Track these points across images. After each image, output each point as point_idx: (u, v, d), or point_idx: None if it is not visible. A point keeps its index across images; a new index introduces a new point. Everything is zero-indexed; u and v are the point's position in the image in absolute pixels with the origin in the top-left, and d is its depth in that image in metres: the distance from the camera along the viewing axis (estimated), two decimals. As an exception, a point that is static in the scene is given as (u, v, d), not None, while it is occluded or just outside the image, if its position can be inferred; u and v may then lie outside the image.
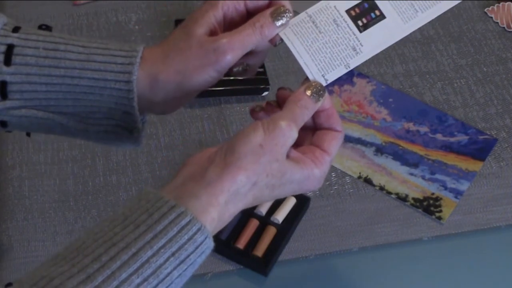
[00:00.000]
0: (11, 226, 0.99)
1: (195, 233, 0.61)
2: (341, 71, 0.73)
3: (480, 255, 0.99)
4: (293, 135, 0.67)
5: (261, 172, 0.65)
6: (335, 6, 0.74)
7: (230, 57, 0.70)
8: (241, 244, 0.97)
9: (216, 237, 0.96)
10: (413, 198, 1.04)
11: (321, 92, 0.71)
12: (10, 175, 1.04)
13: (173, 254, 0.60)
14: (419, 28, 1.25)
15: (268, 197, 0.68)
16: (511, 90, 1.18)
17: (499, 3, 1.29)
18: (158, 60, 0.72)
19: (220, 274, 0.96)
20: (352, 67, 0.73)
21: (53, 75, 0.72)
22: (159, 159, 1.07)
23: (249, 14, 0.74)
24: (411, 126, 1.12)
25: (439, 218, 1.02)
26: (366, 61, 1.07)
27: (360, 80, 1.17)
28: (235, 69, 0.75)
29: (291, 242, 0.99)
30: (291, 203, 1.01)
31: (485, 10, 1.28)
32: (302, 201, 1.01)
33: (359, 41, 0.73)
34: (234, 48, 0.70)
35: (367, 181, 1.06)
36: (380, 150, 1.09)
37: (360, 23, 0.74)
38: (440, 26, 1.27)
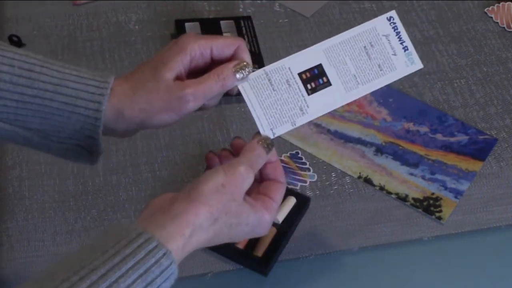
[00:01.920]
0: (11, 226, 0.99)
1: (161, 257, 0.64)
2: (288, 127, 0.80)
3: (480, 255, 0.99)
4: (250, 179, 0.74)
5: (222, 209, 0.71)
6: (289, 68, 0.81)
7: (192, 105, 0.76)
8: (241, 244, 0.97)
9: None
10: (413, 198, 1.04)
11: (271, 145, 0.78)
12: (10, 175, 1.04)
13: (140, 276, 0.63)
14: (419, 28, 1.26)
15: (226, 236, 0.73)
16: (511, 90, 1.18)
17: (499, 3, 1.29)
18: (126, 96, 0.76)
19: (220, 274, 0.96)
20: (297, 125, 0.80)
21: (25, 94, 0.75)
22: (159, 159, 1.07)
23: (213, 62, 0.79)
24: (411, 126, 1.12)
25: (439, 218, 1.02)
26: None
27: (360, 80, 1.17)
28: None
29: (291, 242, 0.99)
30: (291, 203, 1.01)
31: (485, 10, 1.28)
32: (302, 201, 1.01)
33: (306, 103, 0.81)
34: (197, 98, 0.76)
35: (367, 181, 1.06)
36: (380, 150, 1.09)
37: (309, 86, 0.81)
38: (440, 26, 1.27)
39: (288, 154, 1.08)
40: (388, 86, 1.16)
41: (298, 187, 1.05)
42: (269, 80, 0.80)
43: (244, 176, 0.73)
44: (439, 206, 1.03)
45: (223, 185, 0.71)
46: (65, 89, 0.75)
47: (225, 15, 1.26)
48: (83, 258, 0.63)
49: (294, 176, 1.06)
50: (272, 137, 0.79)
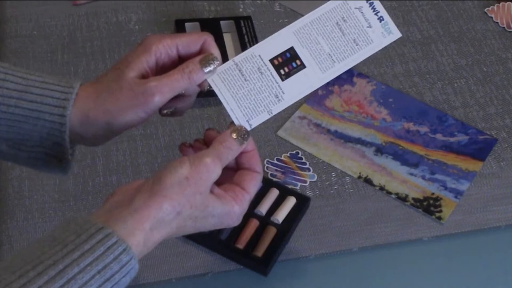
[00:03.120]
0: (11, 226, 0.99)
1: (120, 253, 0.64)
2: (264, 117, 0.78)
3: (480, 255, 0.99)
4: (217, 171, 0.72)
5: (185, 203, 0.69)
6: (259, 55, 0.79)
7: (158, 99, 0.75)
8: (241, 244, 0.97)
9: (216, 237, 0.97)
10: (413, 198, 1.04)
11: (246, 136, 0.76)
12: (10, 175, 1.04)
13: (98, 272, 0.63)
14: (419, 28, 1.26)
15: (191, 228, 0.72)
16: (511, 90, 1.18)
17: (499, 3, 1.29)
18: (90, 99, 0.76)
19: (220, 274, 0.96)
20: (274, 113, 0.78)
21: None
22: (159, 159, 1.07)
23: (181, 60, 0.78)
24: (411, 126, 1.12)
25: (439, 218, 1.02)
26: (366, 61, 1.08)
27: (360, 80, 1.17)
28: (164, 111, 0.79)
29: (291, 242, 0.99)
30: (291, 203, 1.01)
31: (485, 10, 1.28)
32: (302, 201, 1.01)
33: (281, 89, 0.78)
34: (162, 91, 0.74)
35: (367, 181, 1.06)
36: (380, 150, 1.09)
37: (282, 71, 0.79)
38: (440, 26, 1.27)
39: (288, 154, 1.08)
40: (388, 86, 1.17)
41: (298, 187, 1.05)
42: (239, 70, 0.78)
43: (210, 168, 0.71)
44: (439, 206, 1.03)
45: (186, 177, 0.69)
46: (30, 95, 0.75)
47: (225, 15, 1.26)
48: (43, 250, 0.63)
49: (294, 176, 1.06)
50: (249, 128, 0.77)
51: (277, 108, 0.78)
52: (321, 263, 0.98)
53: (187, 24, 1.22)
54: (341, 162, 1.08)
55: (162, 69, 0.78)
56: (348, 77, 1.17)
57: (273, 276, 0.96)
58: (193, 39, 0.78)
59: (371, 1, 0.81)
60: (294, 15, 1.26)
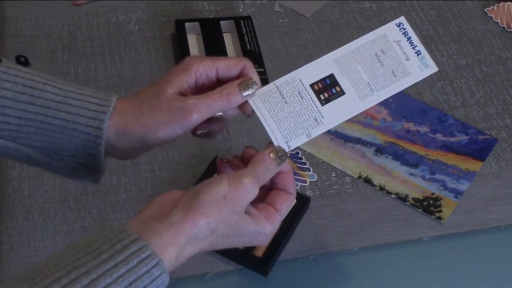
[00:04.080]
0: (11, 226, 0.99)
1: (153, 267, 0.64)
2: (303, 139, 0.79)
3: (480, 255, 0.99)
4: (255, 191, 0.72)
5: (221, 221, 0.69)
6: (300, 80, 0.80)
7: (196, 117, 0.75)
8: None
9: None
10: (413, 198, 1.04)
11: (283, 157, 0.76)
12: (10, 175, 1.04)
13: (130, 284, 0.63)
14: (419, 28, 1.26)
15: (222, 244, 0.72)
16: (511, 90, 1.18)
17: (499, 3, 1.29)
18: (128, 113, 0.76)
19: (220, 274, 0.96)
20: (313, 136, 0.79)
21: (28, 111, 0.75)
22: (159, 159, 1.07)
23: (219, 83, 0.79)
24: (411, 126, 1.12)
25: (439, 218, 1.02)
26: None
27: (360, 80, 1.17)
28: (198, 132, 0.79)
29: (291, 242, 0.99)
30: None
31: (485, 10, 1.28)
32: (302, 201, 1.01)
33: (320, 113, 0.79)
34: (200, 110, 0.75)
35: (367, 181, 1.06)
36: (380, 150, 1.09)
37: (322, 96, 0.80)
38: (440, 26, 1.27)
39: (288, 154, 1.08)
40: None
41: (298, 187, 1.05)
42: (280, 93, 0.79)
43: (249, 188, 0.71)
44: (439, 206, 1.03)
45: (224, 196, 0.70)
46: (67, 106, 0.75)
47: (225, 15, 1.26)
48: (77, 256, 0.63)
49: (294, 176, 1.06)
50: (287, 149, 0.78)
51: (316, 132, 0.79)
52: (321, 263, 0.98)
53: (187, 24, 1.22)
54: (341, 162, 1.08)
55: (201, 90, 0.78)
56: (348, 77, 1.17)
57: (273, 276, 0.96)
58: (233, 63, 0.79)
59: (409, 36, 0.83)
60: (294, 15, 1.26)
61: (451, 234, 1.01)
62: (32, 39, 1.21)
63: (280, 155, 0.76)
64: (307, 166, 1.07)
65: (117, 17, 1.25)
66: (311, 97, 0.80)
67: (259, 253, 0.96)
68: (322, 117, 0.79)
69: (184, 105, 0.75)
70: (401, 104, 1.15)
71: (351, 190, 1.05)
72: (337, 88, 0.81)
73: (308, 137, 0.79)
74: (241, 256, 0.97)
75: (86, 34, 1.23)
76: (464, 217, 1.03)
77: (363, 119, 1.12)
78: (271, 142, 0.78)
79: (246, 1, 1.29)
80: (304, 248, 0.99)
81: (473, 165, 1.08)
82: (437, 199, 1.04)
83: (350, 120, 1.12)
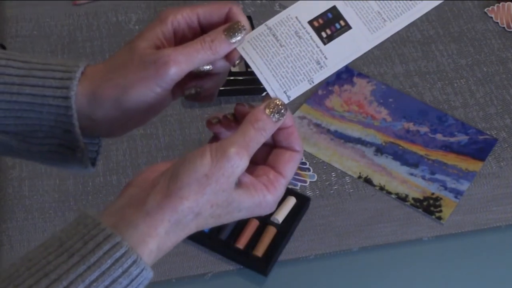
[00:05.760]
0: (11, 226, 0.99)
1: (130, 266, 0.58)
2: (305, 86, 0.68)
3: (480, 255, 0.99)
4: (243, 164, 0.62)
5: (205, 203, 0.61)
6: (296, 17, 0.69)
7: (174, 70, 0.65)
8: (241, 244, 0.97)
9: (216, 237, 0.97)
10: (413, 198, 1.04)
11: (283, 110, 0.65)
12: (10, 175, 1.04)
13: None
14: (419, 28, 1.26)
15: (214, 224, 0.64)
16: (511, 90, 1.18)
17: (499, 3, 1.29)
18: (98, 76, 0.68)
19: (220, 274, 0.96)
20: (316, 82, 0.68)
21: None
22: (159, 159, 1.07)
23: (204, 32, 0.69)
24: (411, 126, 1.12)
25: (439, 218, 1.02)
26: (366, 61, 1.07)
27: (360, 80, 1.17)
28: (186, 92, 0.70)
29: (291, 242, 0.99)
30: (291, 203, 1.01)
31: (485, 10, 1.28)
32: (302, 201, 1.01)
33: (323, 54, 0.68)
34: (178, 61, 0.65)
35: (367, 181, 1.06)
36: (380, 150, 1.09)
37: (324, 34, 0.68)
38: (440, 26, 1.27)
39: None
40: (388, 86, 1.17)
41: (298, 187, 1.05)
42: (273, 35, 0.68)
43: (235, 162, 0.61)
44: (439, 206, 1.03)
45: (207, 175, 0.61)
46: (32, 79, 0.67)
47: (225, 15, 1.26)
48: (49, 259, 0.58)
49: (294, 176, 1.06)
50: (287, 101, 0.67)
51: (319, 77, 0.68)
52: (321, 263, 0.98)
53: (187, 24, 1.22)
54: (341, 162, 1.08)
55: (182, 42, 0.68)
56: (348, 77, 1.17)
57: (273, 276, 0.96)
58: (216, 8, 0.69)
59: None
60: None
61: (451, 234, 1.01)
62: (32, 39, 1.21)
63: (279, 109, 0.65)
64: (307, 166, 1.07)
65: (117, 17, 1.25)
66: (310, 36, 0.68)
67: (259, 253, 0.96)
68: (326, 58, 0.68)
69: (157, 57, 0.65)
70: (401, 104, 1.15)
71: (351, 190, 1.05)
72: (342, 23, 0.69)
73: (311, 84, 0.68)
74: (241, 256, 0.96)
75: (86, 34, 1.23)
76: (464, 217, 1.03)
77: (363, 119, 1.12)
78: (267, 95, 0.67)
79: (246, 1, 1.29)
80: (304, 248, 0.99)
81: (473, 165, 1.08)
82: (437, 199, 1.04)
83: (350, 120, 1.13)
